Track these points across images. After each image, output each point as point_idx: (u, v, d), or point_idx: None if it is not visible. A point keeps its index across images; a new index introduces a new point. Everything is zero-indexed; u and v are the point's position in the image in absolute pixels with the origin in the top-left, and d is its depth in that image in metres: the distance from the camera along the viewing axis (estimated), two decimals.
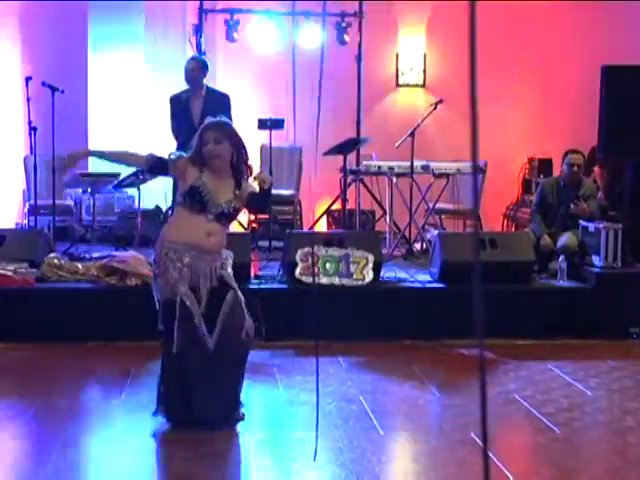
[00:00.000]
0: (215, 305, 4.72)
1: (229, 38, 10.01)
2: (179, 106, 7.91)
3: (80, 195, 9.84)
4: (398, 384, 5.85)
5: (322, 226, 9.91)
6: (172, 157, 4.82)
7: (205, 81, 8.01)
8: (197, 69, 7.89)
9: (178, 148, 7.49)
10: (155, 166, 4.84)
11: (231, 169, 4.79)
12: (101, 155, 5.09)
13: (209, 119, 4.91)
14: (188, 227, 4.69)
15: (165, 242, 4.72)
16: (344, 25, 9.97)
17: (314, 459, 4.30)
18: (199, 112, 7.56)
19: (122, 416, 5.01)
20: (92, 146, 10.07)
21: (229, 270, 4.95)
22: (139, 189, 8.93)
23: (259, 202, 4.97)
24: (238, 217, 4.98)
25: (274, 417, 5.15)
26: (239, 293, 4.83)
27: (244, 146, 4.84)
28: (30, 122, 8.22)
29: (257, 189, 4.88)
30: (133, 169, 7.63)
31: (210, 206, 4.68)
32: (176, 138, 7.89)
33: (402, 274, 7.57)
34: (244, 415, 4.89)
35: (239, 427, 4.81)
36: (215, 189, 4.71)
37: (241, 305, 4.80)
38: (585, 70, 9.85)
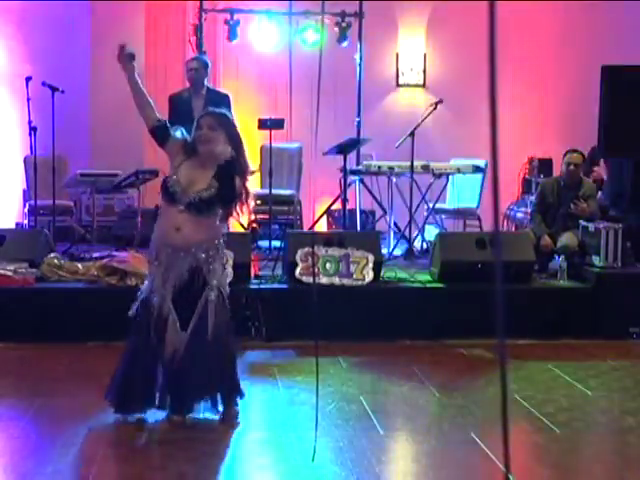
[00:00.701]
0: (192, 302, 4.75)
1: (229, 38, 10.01)
2: (181, 106, 7.90)
3: (80, 195, 9.84)
4: (398, 384, 5.85)
5: (322, 226, 9.91)
6: (176, 134, 4.85)
7: (205, 81, 8.02)
8: (200, 68, 7.90)
9: None
10: (157, 132, 4.82)
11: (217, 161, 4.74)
12: (134, 83, 4.84)
13: (210, 109, 5.01)
14: (162, 221, 4.80)
15: (153, 238, 4.85)
16: (344, 25, 9.96)
17: (312, 459, 4.30)
18: (201, 112, 7.56)
19: (122, 416, 5.00)
20: (94, 145, 10.10)
21: (216, 266, 4.81)
22: (139, 189, 8.93)
23: (223, 186, 4.71)
24: (215, 209, 4.79)
25: (274, 417, 5.14)
26: (213, 292, 4.76)
27: (241, 142, 4.82)
28: (30, 122, 8.22)
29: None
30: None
31: (179, 196, 4.69)
32: None
33: (402, 274, 7.57)
34: (237, 413, 4.90)
35: (239, 427, 4.81)
36: (192, 179, 4.72)
37: (211, 304, 4.75)
38: (584, 70, 9.85)
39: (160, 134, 4.82)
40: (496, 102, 1.74)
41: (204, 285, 4.76)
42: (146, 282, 4.91)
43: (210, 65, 8.15)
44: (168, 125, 4.86)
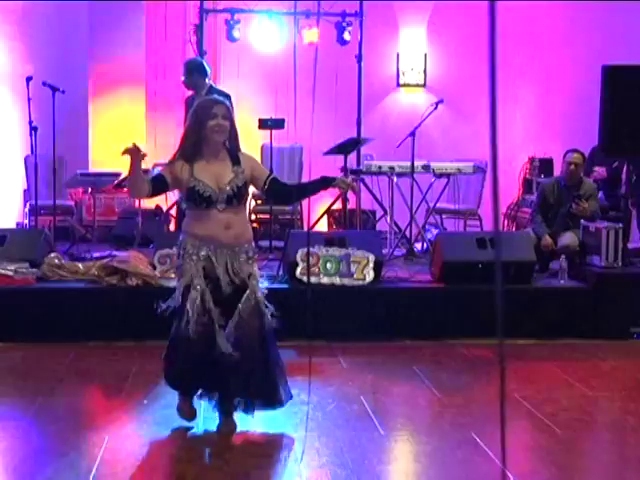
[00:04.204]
0: (234, 300, 4.63)
1: (230, 38, 10.01)
2: (188, 108, 7.87)
3: (80, 195, 9.85)
4: (398, 384, 5.85)
5: (323, 226, 9.91)
6: (163, 173, 4.66)
7: (207, 80, 7.95)
8: (187, 76, 7.76)
9: None
10: (156, 191, 4.71)
11: (224, 149, 4.71)
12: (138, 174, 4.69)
13: (217, 96, 4.97)
14: (206, 221, 4.62)
15: (186, 236, 4.66)
16: (344, 25, 9.96)
17: (300, 460, 4.30)
18: None
19: (122, 416, 5.01)
20: (94, 145, 10.11)
21: (254, 269, 4.77)
22: None
23: (291, 196, 5.03)
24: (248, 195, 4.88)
25: (274, 417, 5.13)
26: (259, 291, 4.72)
27: (236, 129, 4.78)
28: (31, 122, 8.22)
29: (267, 172, 4.82)
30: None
31: (214, 198, 4.59)
32: None
33: (403, 274, 7.57)
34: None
35: (239, 427, 4.80)
36: (216, 175, 4.61)
37: (258, 301, 4.71)
38: (585, 70, 9.84)
39: (159, 189, 4.68)
40: (496, 101, 1.74)
41: (244, 286, 4.66)
42: (179, 277, 4.71)
43: (198, 63, 7.97)
44: (155, 177, 4.68)
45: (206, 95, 7.71)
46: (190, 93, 7.99)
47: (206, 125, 4.59)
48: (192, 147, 4.64)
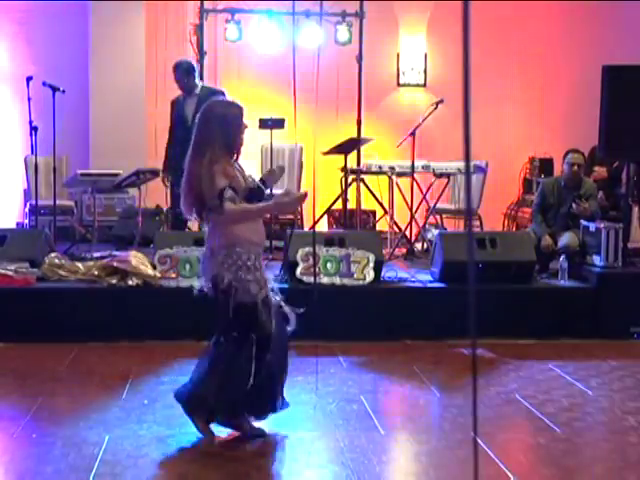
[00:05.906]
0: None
1: (229, 38, 10.00)
2: (177, 110, 7.89)
3: (81, 195, 9.85)
4: (399, 384, 5.85)
5: (323, 226, 9.91)
6: (229, 197, 4.37)
7: (197, 81, 7.93)
8: (182, 78, 7.78)
9: (173, 150, 7.50)
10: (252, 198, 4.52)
11: None
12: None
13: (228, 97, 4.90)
14: (256, 226, 4.52)
15: (237, 245, 4.40)
16: (345, 25, 9.96)
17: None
18: (192, 111, 7.50)
19: (122, 416, 5.01)
20: (94, 145, 10.11)
21: None
22: (140, 189, 8.92)
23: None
24: None
25: (274, 417, 5.13)
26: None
27: None
28: (31, 122, 8.21)
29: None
30: None
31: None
32: (170, 141, 7.92)
33: (403, 274, 7.57)
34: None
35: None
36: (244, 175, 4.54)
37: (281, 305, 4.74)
38: (585, 70, 9.84)
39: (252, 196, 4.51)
40: (469, 98, 1.76)
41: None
42: (254, 291, 4.48)
43: (193, 64, 8.00)
44: (229, 195, 4.37)
45: (200, 94, 7.67)
46: (179, 93, 7.99)
47: (242, 126, 4.52)
48: (237, 148, 4.52)
